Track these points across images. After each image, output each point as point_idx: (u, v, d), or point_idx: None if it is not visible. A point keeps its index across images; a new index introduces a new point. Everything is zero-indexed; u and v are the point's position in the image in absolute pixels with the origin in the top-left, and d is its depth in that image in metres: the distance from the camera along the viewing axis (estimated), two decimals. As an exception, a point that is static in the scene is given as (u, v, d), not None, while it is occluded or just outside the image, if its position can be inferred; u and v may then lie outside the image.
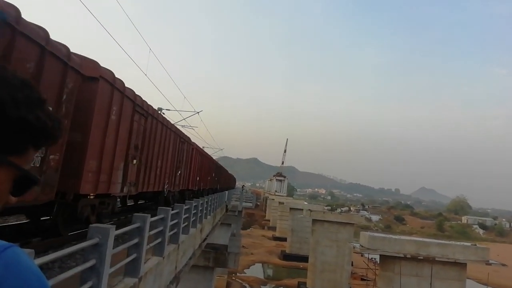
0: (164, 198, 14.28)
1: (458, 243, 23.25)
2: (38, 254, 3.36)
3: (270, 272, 49.66)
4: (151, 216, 6.18)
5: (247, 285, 40.56)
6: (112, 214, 9.64)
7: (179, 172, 16.65)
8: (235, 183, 56.21)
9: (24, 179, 0.80)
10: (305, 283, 38.44)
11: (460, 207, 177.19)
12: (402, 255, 21.46)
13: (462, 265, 21.39)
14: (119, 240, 6.47)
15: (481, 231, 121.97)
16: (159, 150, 12.45)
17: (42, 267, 5.26)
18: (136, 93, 9.65)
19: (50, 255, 3.27)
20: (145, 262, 6.10)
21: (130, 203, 14.51)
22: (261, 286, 41.76)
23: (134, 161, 9.73)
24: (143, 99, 10.27)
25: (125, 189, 9.26)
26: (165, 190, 13.67)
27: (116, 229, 4.42)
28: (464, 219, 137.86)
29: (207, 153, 29.28)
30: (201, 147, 27.41)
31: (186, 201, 10.26)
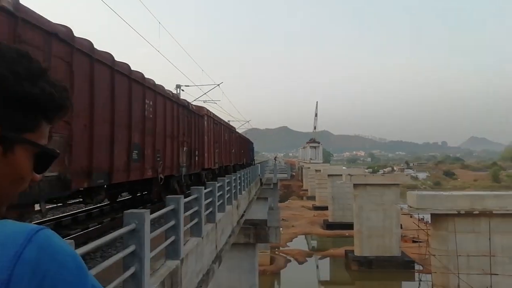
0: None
1: (517, 192, 22.45)
2: (78, 245, 3.54)
3: (314, 243, 50.35)
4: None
5: (291, 259, 41.43)
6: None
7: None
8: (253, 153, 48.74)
9: (43, 155, 0.81)
10: (352, 251, 38.80)
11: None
12: (455, 212, 21.10)
13: (523, 216, 20.80)
14: (155, 224, 6.73)
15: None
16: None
17: (84, 257, 5.56)
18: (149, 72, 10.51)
19: (89, 244, 3.43)
20: (184, 244, 6.32)
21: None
22: (307, 258, 42.52)
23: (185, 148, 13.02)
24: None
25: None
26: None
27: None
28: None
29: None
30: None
31: (218, 178, 10.42)
